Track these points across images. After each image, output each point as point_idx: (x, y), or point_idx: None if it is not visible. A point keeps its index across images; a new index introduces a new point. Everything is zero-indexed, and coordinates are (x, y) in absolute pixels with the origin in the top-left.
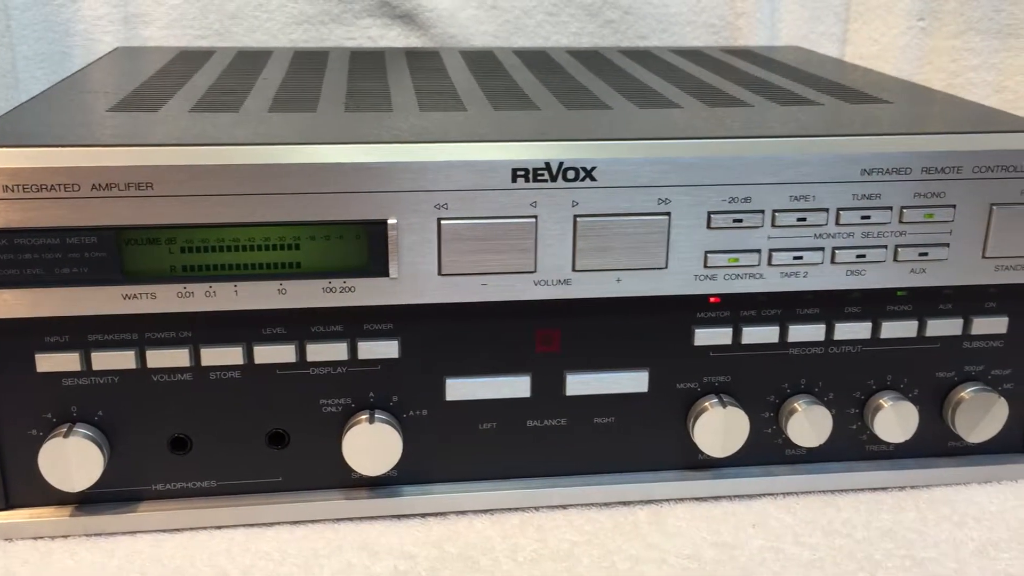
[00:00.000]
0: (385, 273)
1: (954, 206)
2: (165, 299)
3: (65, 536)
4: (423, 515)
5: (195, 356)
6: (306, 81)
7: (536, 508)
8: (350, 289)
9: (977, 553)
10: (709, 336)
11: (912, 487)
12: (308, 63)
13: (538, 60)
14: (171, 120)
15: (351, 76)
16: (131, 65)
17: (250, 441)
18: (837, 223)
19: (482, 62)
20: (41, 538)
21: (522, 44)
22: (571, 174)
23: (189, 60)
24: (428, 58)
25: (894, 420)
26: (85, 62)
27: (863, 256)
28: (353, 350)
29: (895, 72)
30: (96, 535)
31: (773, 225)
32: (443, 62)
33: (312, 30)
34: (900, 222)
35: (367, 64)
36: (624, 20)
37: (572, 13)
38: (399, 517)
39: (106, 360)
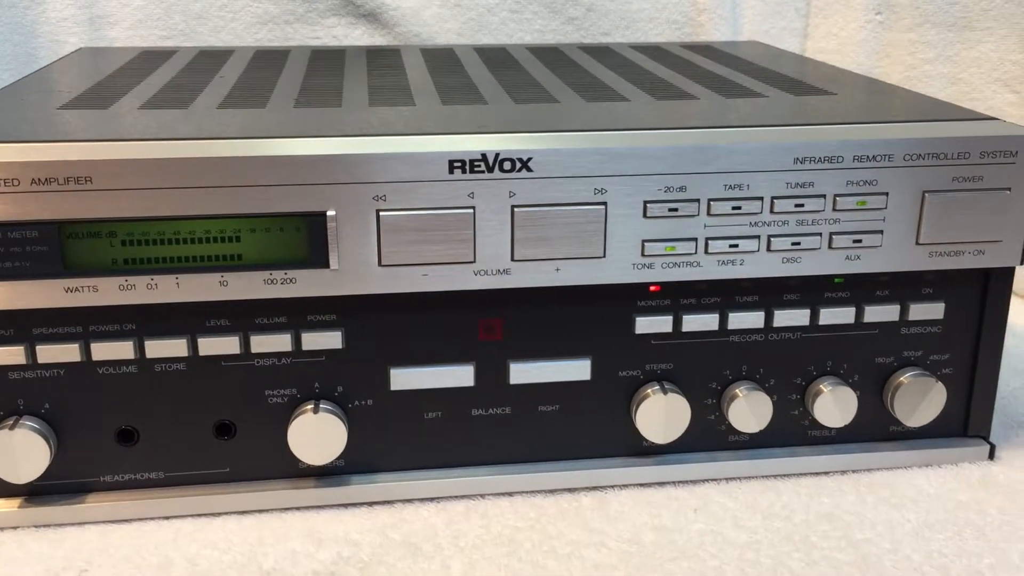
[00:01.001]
0: (326, 264)
1: (887, 194)
2: (107, 292)
3: (13, 528)
4: (369, 504)
5: (140, 348)
6: (262, 79)
7: (482, 496)
8: (291, 281)
9: (912, 534)
10: (650, 324)
11: (853, 471)
12: (267, 61)
13: (497, 57)
14: (119, 117)
15: (308, 74)
16: (91, 65)
17: (196, 432)
18: (771, 211)
19: (441, 59)
20: None
21: (486, 42)
22: (507, 165)
23: (149, 60)
24: (388, 56)
25: (834, 405)
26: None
27: (798, 244)
28: (297, 341)
29: (854, 66)
30: (44, 526)
31: (708, 214)
32: (402, 60)
33: (277, 30)
34: (834, 210)
35: (326, 62)
36: (587, 17)
37: (535, 11)
38: (346, 506)
39: (51, 353)
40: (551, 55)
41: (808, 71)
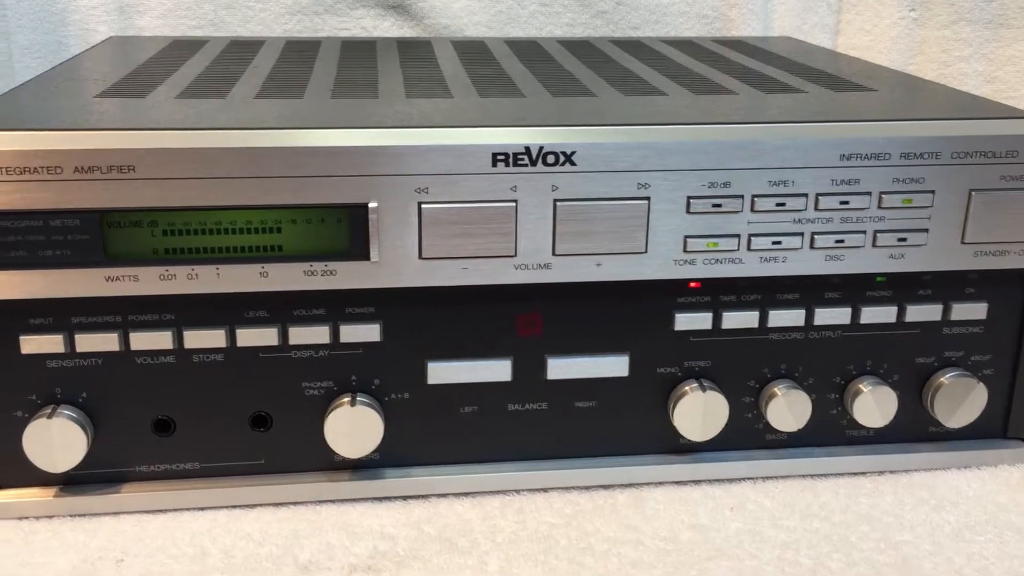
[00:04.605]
0: (366, 257)
1: (933, 192)
2: (148, 282)
3: (49, 516)
4: (404, 497)
5: (178, 339)
6: (295, 69)
7: (517, 491)
8: (331, 272)
9: (953, 536)
10: (689, 321)
11: (891, 472)
12: (299, 52)
13: (528, 50)
14: (157, 106)
15: (341, 65)
16: (123, 54)
17: (233, 423)
18: (816, 208)
19: (472, 52)
20: (25, 518)
21: (515, 35)
22: (551, 158)
23: (181, 49)
24: (419, 48)
25: (873, 405)
26: (81, 51)
27: (842, 241)
28: (335, 333)
29: (887, 63)
30: (79, 516)
31: (752, 210)
32: (434, 51)
33: (306, 20)
34: (879, 207)
35: (358, 53)
36: (617, 11)
37: (565, 3)
38: (380, 499)
39: (90, 342)
40: (583, 48)
41: (843, 67)
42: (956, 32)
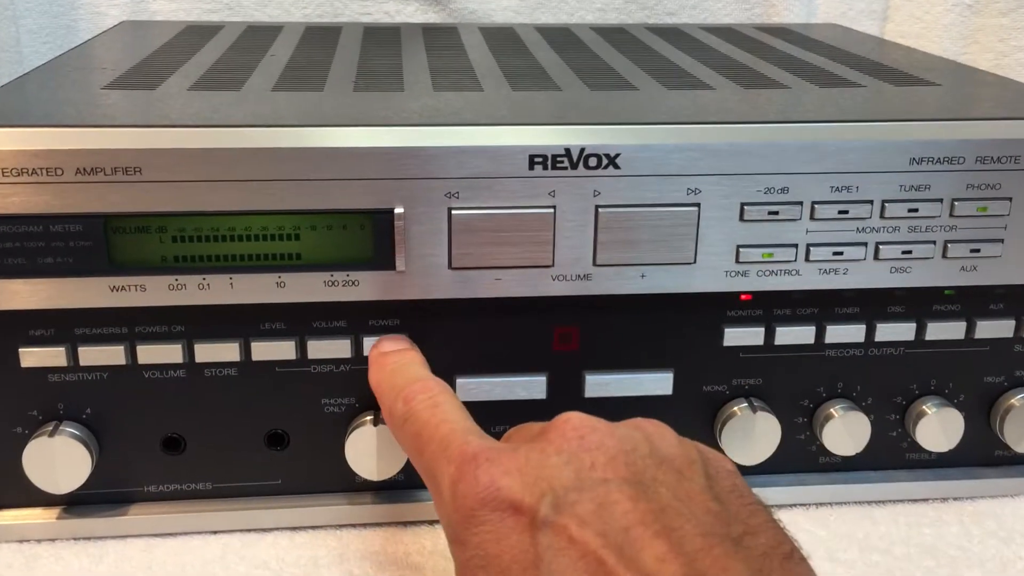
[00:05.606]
0: (391, 266)
1: (1010, 199)
2: (156, 291)
3: (52, 539)
4: (431, 522)
5: (189, 352)
6: (315, 58)
7: None
8: (354, 283)
9: None
10: (740, 336)
11: (955, 499)
12: (319, 39)
13: (561, 37)
14: (167, 99)
15: (363, 53)
16: (134, 40)
17: (247, 442)
18: (882, 216)
19: (502, 39)
20: (26, 541)
21: (545, 20)
22: (593, 161)
23: (195, 35)
24: (445, 34)
25: (938, 428)
26: (91, 36)
27: (909, 252)
28: (357, 347)
29: (939, 51)
30: (84, 539)
31: (812, 218)
32: (461, 39)
33: (326, 4)
34: (951, 216)
35: (381, 40)
36: None
37: None
38: (406, 524)
39: (94, 355)
40: (618, 36)
41: (898, 57)
42: (1015, 20)
